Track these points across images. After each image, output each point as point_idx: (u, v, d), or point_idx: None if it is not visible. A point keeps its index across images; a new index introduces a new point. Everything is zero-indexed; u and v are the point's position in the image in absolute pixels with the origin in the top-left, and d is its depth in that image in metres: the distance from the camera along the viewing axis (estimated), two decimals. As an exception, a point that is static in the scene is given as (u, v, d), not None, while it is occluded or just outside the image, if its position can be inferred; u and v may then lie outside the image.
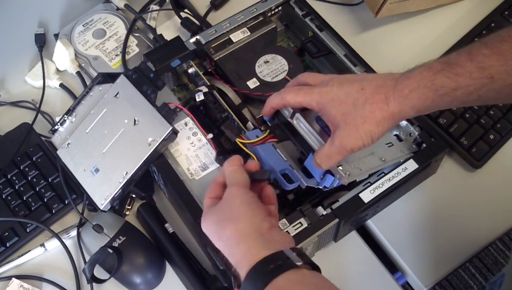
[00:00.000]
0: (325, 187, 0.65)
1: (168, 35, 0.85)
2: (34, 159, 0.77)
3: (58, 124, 0.75)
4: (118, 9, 0.90)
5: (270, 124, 0.68)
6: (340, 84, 0.59)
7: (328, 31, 0.80)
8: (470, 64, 0.53)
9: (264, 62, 0.78)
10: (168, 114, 0.70)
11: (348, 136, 0.57)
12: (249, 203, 0.57)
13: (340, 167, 0.62)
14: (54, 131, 0.76)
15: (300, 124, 0.63)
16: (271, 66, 0.77)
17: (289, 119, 0.64)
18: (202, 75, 0.76)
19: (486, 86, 0.53)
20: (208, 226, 0.58)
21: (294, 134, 0.65)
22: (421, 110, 0.56)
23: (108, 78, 0.74)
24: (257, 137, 0.66)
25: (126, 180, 0.68)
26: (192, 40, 0.79)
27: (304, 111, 0.64)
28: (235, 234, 0.55)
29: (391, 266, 0.73)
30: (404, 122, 0.71)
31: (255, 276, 0.51)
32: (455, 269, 0.71)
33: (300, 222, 0.65)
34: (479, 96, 0.54)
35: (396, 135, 0.71)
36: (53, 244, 0.74)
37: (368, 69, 0.76)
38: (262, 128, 0.68)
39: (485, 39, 0.54)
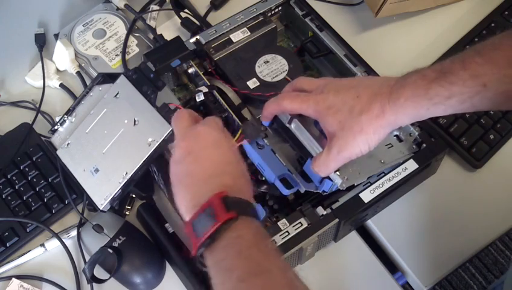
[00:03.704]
0: (323, 191, 0.65)
1: (168, 35, 0.85)
2: (34, 159, 0.77)
3: (58, 124, 0.75)
4: (118, 9, 0.90)
5: (269, 128, 0.68)
6: (336, 91, 0.59)
7: (328, 31, 0.80)
8: (463, 72, 0.53)
9: (264, 62, 0.78)
10: (168, 114, 0.69)
11: (345, 144, 0.58)
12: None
13: (337, 173, 0.62)
14: (53, 131, 0.76)
15: (298, 129, 0.64)
16: (271, 66, 0.77)
17: (287, 125, 0.64)
18: (202, 75, 0.76)
19: (479, 93, 0.53)
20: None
21: (293, 139, 0.65)
22: (416, 118, 0.57)
23: (108, 78, 0.74)
24: (257, 143, 0.66)
25: (126, 180, 0.68)
26: (192, 40, 0.79)
27: (302, 116, 0.64)
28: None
29: (391, 266, 0.73)
30: (404, 122, 0.71)
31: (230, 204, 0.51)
32: (455, 269, 0.71)
33: (300, 222, 0.65)
34: (473, 104, 0.54)
35: (396, 136, 0.71)
36: (53, 244, 0.74)
37: (368, 69, 0.76)
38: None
39: (479, 46, 0.55)
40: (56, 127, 0.76)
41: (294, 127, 0.64)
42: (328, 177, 0.63)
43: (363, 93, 0.58)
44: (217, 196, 0.51)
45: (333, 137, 0.58)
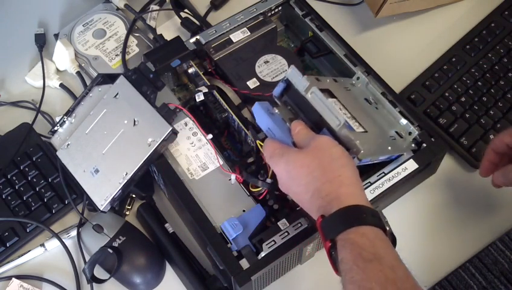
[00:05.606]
0: None
1: (168, 35, 0.85)
2: (34, 159, 0.77)
3: (58, 125, 0.75)
4: (118, 9, 0.90)
5: (278, 101, 0.67)
6: None
7: (328, 31, 0.80)
8: None
9: (264, 62, 0.78)
10: (168, 114, 0.70)
11: None
12: (347, 155, 0.60)
13: (357, 141, 0.61)
14: (53, 132, 0.76)
15: (315, 98, 0.62)
16: (271, 66, 0.77)
17: (303, 94, 0.63)
18: (202, 75, 0.76)
19: None
20: (301, 166, 0.59)
21: (307, 110, 0.64)
22: None
23: (108, 78, 0.74)
24: (268, 111, 0.65)
25: (126, 180, 0.68)
26: (192, 40, 0.79)
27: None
28: (344, 178, 0.57)
29: (391, 266, 0.73)
30: (404, 121, 0.71)
31: (349, 213, 0.55)
32: (455, 269, 0.71)
33: (300, 222, 0.65)
34: None
35: (396, 132, 0.71)
36: (53, 244, 0.74)
37: (368, 69, 0.76)
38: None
39: None
40: (56, 128, 0.76)
41: (312, 95, 0.63)
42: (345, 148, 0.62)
43: None
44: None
45: None
